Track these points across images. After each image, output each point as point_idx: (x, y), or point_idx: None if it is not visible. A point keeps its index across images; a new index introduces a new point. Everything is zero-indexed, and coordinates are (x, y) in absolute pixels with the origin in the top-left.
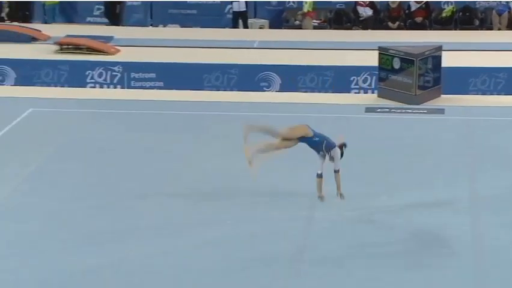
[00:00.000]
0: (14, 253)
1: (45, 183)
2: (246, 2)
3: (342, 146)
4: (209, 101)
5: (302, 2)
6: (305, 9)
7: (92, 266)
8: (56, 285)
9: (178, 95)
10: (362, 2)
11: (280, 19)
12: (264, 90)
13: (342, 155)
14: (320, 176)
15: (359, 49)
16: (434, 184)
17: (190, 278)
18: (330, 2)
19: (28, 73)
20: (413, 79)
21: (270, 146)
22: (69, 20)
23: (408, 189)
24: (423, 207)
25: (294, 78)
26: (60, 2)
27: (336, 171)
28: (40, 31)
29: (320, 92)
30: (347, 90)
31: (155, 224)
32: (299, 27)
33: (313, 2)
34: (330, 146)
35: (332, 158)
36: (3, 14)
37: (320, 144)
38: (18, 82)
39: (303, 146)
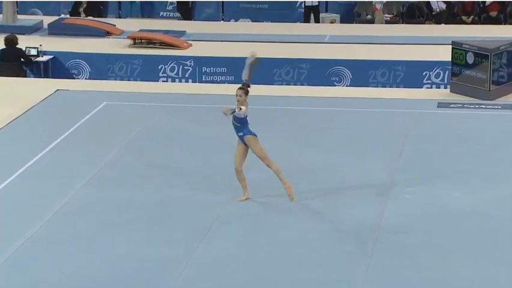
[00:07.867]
0: None
1: (117, 172)
2: None
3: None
4: (279, 95)
5: None
6: None
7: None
8: None
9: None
10: None
11: (351, 13)
12: (335, 85)
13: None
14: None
15: (431, 44)
16: (509, 178)
17: None
18: None
19: (102, 67)
20: (487, 74)
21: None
22: (143, 14)
23: (482, 183)
24: (499, 201)
25: (365, 73)
26: None
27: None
28: (114, 25)
29: (391, 86)
30: (419, 85)
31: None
32: (371, 21)
33: None
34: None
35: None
36: (81, 9)
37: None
38: (93, 76)
39: None
